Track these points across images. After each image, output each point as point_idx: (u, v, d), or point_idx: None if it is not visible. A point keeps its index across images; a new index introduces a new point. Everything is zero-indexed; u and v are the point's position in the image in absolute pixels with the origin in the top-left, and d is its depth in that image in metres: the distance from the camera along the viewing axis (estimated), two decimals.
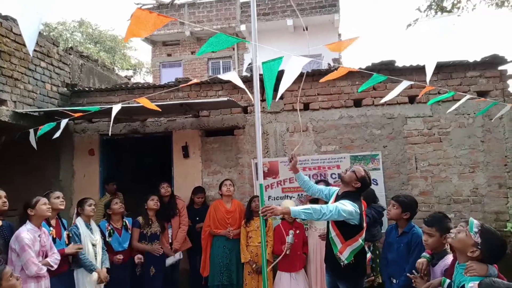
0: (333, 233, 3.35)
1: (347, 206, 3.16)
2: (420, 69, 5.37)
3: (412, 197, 3.58)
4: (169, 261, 4.75)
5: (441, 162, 5.29)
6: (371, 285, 4.19)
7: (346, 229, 3.26)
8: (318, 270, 4.40)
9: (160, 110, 3.96)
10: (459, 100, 4.41)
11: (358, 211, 3.21)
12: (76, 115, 4.47)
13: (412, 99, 5.40)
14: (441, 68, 5.40)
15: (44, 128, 4.47)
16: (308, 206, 3.14)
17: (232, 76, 3.35)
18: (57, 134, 4.43)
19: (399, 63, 5.44)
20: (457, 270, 2.30)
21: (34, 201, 3.59)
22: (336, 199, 3.44)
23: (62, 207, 3.99)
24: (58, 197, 3.94)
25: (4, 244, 3.43)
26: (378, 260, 4.32)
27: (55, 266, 3.58)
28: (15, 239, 3.43)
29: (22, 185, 5.50)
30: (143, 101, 3.67)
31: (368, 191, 4.36)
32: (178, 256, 4.85)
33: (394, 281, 3.32)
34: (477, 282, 1.92)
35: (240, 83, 3.28)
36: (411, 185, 5.27)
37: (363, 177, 3.38)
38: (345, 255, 3.28)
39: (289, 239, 4.17)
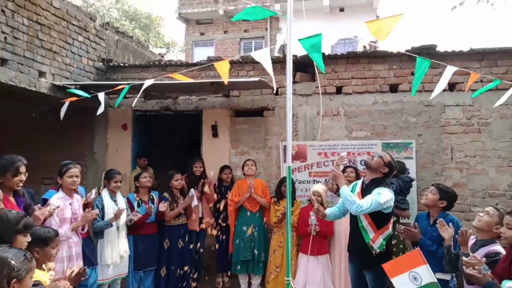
0: (364, 222, 3.31)
1: (385, 195, 3.17)
2: (463, 55, 5.11)
3: (453, 189, 3.53)
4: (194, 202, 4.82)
5: (478, 154, 5.06)
6: None
7: (379, 217, 3.24)
8: (343, 256, 4.36)
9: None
10: (503, 90, 4.15)
11: (394, 197, 3.22)
12: (115, 88, 4.52)
13: (452, 87, 5.15)
14: (485, 55, 5.11)
15: (76, 92, 4.46)
16: (354, 198, 3.19)
17: (263, 57, 3.29)
18: (101, 109, 4.51)
19: (440, 48, 5.18)
20: None
21: (63, 170, 3.67)
22: (364, 188, 3.39)
23: (74, 187, 3.83)
24: (75, 167, 3.82)
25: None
26: (401, 241, 4.25)
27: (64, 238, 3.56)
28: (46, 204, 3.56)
29: (60, 156, 5.70)
30: (176, 76, 3.70)
31: (399, 163, 4.42)
32: (193, 196, 4.81)
33: None
34: None
35: (268, 65, 3.23)
36: (445, 176, 5.09)
37: (389, 161, 3.38)
38: (377, 243, 3.29)
39: (311, 220, 4.15)
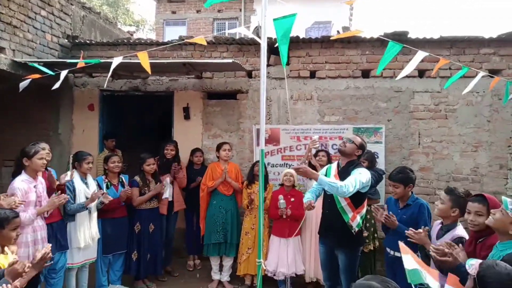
0: (343, 203, 3.38)
1: (364, 175, 3.27)
2: (433, 42, 5.20)
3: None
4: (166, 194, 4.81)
5: (444, 139, 5.23)
6: (363, 252, 4.25)
7: (357, 197, 3.32)
8: (313, 238, 4.44)
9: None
10: (470, 77, 4.27)
11: (371, 176, 3.31)
12: (78, 66, 4.32)
13: (421, 73, 5.26)
14: (454, 42, 5.23)
15: (39, 68, 4.25)
16: (335, 180, 3.22)
17: (241, 30, 3.21)
18: (57, 85, 4.28)
19: (412, 35, 5.24)
20: (496, 249, 2.28)
21: (32, 151, 3.52)
22: (341, 171, 3.45)
23: (49, 158, 3.77)
24: (44, 148, 3.70)
25: None
26: (372, 224, 4.37)
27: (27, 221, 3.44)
28: (9, 189, 3.41)
29: (22, 136, 5.44)
30: (142, 57, 3.50)
31: (371, 155, 4.57)
32: (167, 184, 4.81)
33: (392, 252, 3.35)
34: (480, 261, 1.90)
35: (250, 34, 3.16)
36: (412, 160, 5.24)
37: (361, 143, 3.49)
38: (355, 222, 3.40)
39: (280, 204, 4.21)
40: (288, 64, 5.47)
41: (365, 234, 4.17)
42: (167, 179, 4.76)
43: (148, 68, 3.52)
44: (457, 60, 5.14)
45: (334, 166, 3.61)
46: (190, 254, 5.29)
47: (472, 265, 1.87)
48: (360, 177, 3.24)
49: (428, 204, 3.44)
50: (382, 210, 3.42)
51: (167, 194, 4.81)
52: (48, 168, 3.91)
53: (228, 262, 4.86)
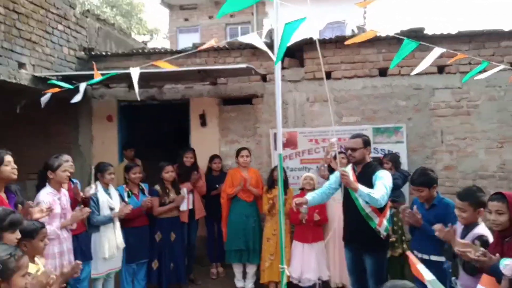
0: (367, 210, 3.32)
1: (388, 178, 3.23)
2: (451, 38, 5.08)
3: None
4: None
5: (468, 136, 5.09)
6: (392, 255, 4.16)
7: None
8: (337, 242, 4.37)
9: (176, 69, 3.84)
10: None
11: (398, 178, 3.32)
12: (96, 77, 4.37)
13: (441, 69, 5.13)
14: (473, 37, 5.10)
15: (58, 84, 4.33)
16: (374, 194, 3.11)
17: (252, 38, 3.18)
18: (77, 98, 4.35)
19: (428, 31, 5.13)
20: None
21: (56, 164, 3.57)
22: (359, 176, 3.37)
23: (72, 170, 3.85)
24: (67, 160, 3.78)
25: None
26: (400, 227, 4.28)
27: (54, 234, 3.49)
28: (35, 201, 3.46)
29: (43, 149, 5.55)
30: (161, 64, 3.55)
31: (394, 156, 4.60)
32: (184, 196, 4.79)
33: (419, 255, 3.26)
34: None
35: (261, 44, 3.13)
36: (436, 159, 5.11)
37: (365, 140, 3.40)
38: (383, 227, 3.35)
39: (302, 209, 4.14)
40: (302, 66, 5.43)
41: (393, 239, 4.07)
42: (184, 189, 4.75)
43: (172, 67, 3.66)
44: (477, 55, 5.00)
45: (349, 170, 3.48)
46: (212, 262, 5.28)
47: (507, 265, 1.79)
48: (386, 181, 3.19)
49: (454, 203, 3.33)
50: (409, 210, 3.32)
51: (184, 206, 4.78)
52: (74, 181, 3.98)
53: (251, 269, 4.82)
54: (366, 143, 3.40)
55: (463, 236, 2.82)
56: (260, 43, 3.14)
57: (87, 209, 3.73)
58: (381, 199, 3.09)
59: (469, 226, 2.82)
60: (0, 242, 2.01)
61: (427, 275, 2.12)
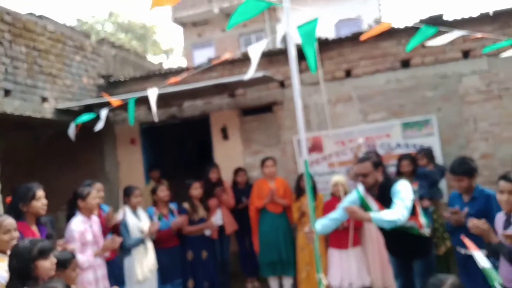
0: (408, 224, 3.13)
1: (406, 191, 3.03)
2: (473, 21, 4.84)
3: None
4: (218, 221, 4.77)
5: (502, 121, 4.81)
6: (436, 254, 3.96)
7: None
8: (375, 246, 4.19)
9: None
10: None
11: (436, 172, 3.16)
12: (114, 104, 4.44)
13: (466, 54, 4.89)
14: (496, 17, 4.84)
15: (82, 118, 4.45)
16: (390, 216, 2.92)
17: (255, 51, 3.14)
18: (100, 126, 4.44)
19: (449, 17, 4.92)
20: None
21: (85, 193, 3.61)
22: (380, 199, 3.19)
23: (102, 201, 4.06)
24: (99, 190, 3.95)
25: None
26: (440, 224, 4.08)
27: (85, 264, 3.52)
28: (68, 230, 3.50)
29: (71, 180, 5.64)
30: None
31: (428, 151, 4.46)
32: (218, 219, 4.78)
33: (463, 250, 3.08)
34: None
35: (255, 59, 3.09)
36: (471, 148, 4.84)
37: (375, 162, 3.18)
38: (424, 226, 3.20)
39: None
40: (320, 67, 5.30)
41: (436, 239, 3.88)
42: (218, 215, 4.73)
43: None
44: (501, 35, 4.74)
45: (364, 193, 3.27)
46: (247, 277, 5.17)
47: None
48: (402, 195, 3.00)
49: (495, 193, 3.12)
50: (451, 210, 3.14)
51: (219, 220, 4.76)
52: (106, 209, 4.04)
53: (288, 281, 4.70)
54: (377, 164, 3.20)
55: (507, 226, 2.62)
56: (256, 57, 3.11)
57: (118, 239, 3.73)
58: (401, 217, 2.90)
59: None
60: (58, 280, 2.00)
61: (484, 263, 2.01)
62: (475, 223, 2.60)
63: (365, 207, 3.30)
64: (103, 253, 3.65)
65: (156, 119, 4.22)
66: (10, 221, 2.60)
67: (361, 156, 3.44)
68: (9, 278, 2.30)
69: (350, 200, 3.33)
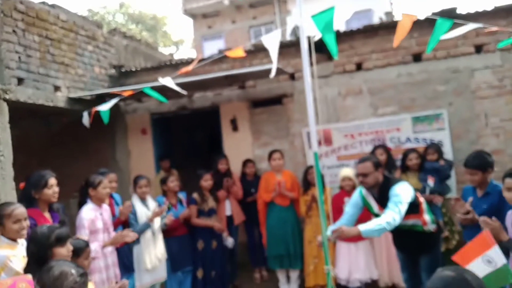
0: (409, 222, 3.18)
1: (403, 194, 3.03)
2: (487, 14, 4.78)
3: None
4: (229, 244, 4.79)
5: None
6: (447, 249, 3.97)
7: (410, 209, 3.10)
8: (383, 241, 4.20)
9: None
10: None
11: (411, 187, 3.13)
12: (126, 94, 4.49)
13: (479, 49, 4.84)
14: (510, 11, 4.76)
15: (104, 113, 4.55)
16: (379, 221, 2.95)
17: (271, 42, 3.14)
18: (106, 107, 4.50)
19: (462, 11, 4.86)
20: None
21: (97, 182, 3.65)
22: (380, 200, 3.20)
23: (114, 191, 4.14)
24: (111, 181, 4.00)
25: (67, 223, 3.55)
26: (449, 218, 4.09)
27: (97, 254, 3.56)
28: (78, 218, 3.57)
29: (84, 167, 5.72)
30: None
31: (436, 145, 4.48)
32: (230, 241, 4.80)
33: None
34: None
35: (274, 50, 3.08)
36: (481, 144, 4.80)
37: (375, 163, 3.19)
38: (429, 224, 3.22)
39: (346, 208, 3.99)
40: (331, 60, 5.28)
41: (446, 233, 3.87)
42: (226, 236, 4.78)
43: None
44: None
45: (366, 194, 3.31)
46: (255, 267, 5.22)
47: None
48: (400, 199, 2.99)
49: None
50: (462, 203, 3.12)
51: (228, 211, 4.83)
52: (117, 198, 4.13)
53: (294, 274, 4.73)
54: (377, 165, 3.20)
55: None
56: (275, 48, 3.09)
57: (128, 234, 3.60)
58: (392, 221, 2.91)
59: None
60: (70, 264, 2.03)
61: (501, 260, 1.97)
62: (486, 220, 2.58)
63: (366, 205, 3.33)
64: (112, 244, 3.67)
65: (184, 92, 4.28)
66: (21, 210, 2.64)
67: (362, 157, 3.46)
68: (27, 262, 2.35)
69: (353, 200, 3.38)
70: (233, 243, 4.81)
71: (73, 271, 1.89)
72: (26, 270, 2.29)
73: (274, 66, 3.22)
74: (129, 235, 3.59)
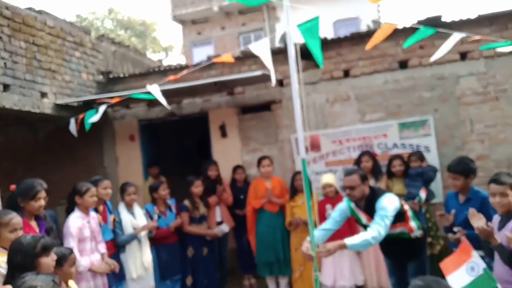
0: (396, 231, 3.21)
1: (389, 206, 3.05)
2: (471, 22, 4.89)
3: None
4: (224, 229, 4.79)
5: (498, 123, 4.86)
6: (431, 254, 4.00)
7: (396, 220, 3.13)
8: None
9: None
10: None
11: (397, 197, 3.17)
12: (113, 101, 4.46)
13: (464, 56, 4.94)
14: (494, 19, 4.89)
15: (88, 116, 4.49)
16: (364, 236, 2.96)
17: (261, 49, 3.16)
18: (96, 119, 4.46)
19: (447, 19, 4.96)
20: None
21: (84, 189, 3.62)
22: (368, 211, 3.22)
23: (108, 198, 4.07)
24: (105, 188, 3.97)
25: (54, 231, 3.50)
26: (433, 223, 4.15)
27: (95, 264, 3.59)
28: (65, 226, 3.53)
29: (71, 174, 5.66)
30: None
31: (421, 154, 4.53)
32: (225, 228, 4.81)
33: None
34: None
35: (267, 57, 3.10)
36: (467, 149, 4.89)
37: (362, 176, 3.20)
38: (415, 230, 3.26)
39: (328, 215, 4.02)
40: (319, 67, 5.34)
41: (429, 240, 3.92)
42: (223, 227, 4.78)
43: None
44: (499, 37, 4.78)
45: (354, 207, 3.32)
46: (244, 273, 5.20)
47: None
48: (385, 212, 3.02)
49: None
50: (446, 216, 3.16)
51: (226, 228, 4.85)
52: (109, 205, 4.09)
53: (284, 280, 4.73)
54: (364, 178, 3.22)
55: (501, 227, 2.66)
56: (266, 54, 3.11)
57: (115, 265, 3.71)
58: (377, 236, 2.93)
59: (507, 215, 2.65)
60: (36, 273, 2.02)
61: (481, 263, 2.02)
62: (482, 227, 2.59)
63: (354, 216, 3.36)
64: (100, 271, 3.63)
65: (168, 107, 4.27)
66: (18, 219, 2.63)
67: (348, 169, 3.46)
68: (8, 272, 2.29)
69: (340, 208, 3.37)
70: (227, 228, 4.82)
71: (41, 285, 1.88)
72: (7, 281, 2.25)
73: (272, 74, 3.21)
74: (115, 269, 3.68)
